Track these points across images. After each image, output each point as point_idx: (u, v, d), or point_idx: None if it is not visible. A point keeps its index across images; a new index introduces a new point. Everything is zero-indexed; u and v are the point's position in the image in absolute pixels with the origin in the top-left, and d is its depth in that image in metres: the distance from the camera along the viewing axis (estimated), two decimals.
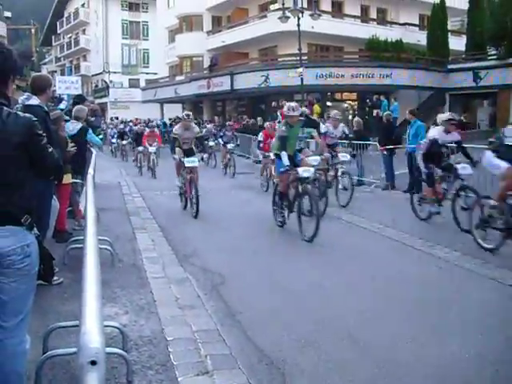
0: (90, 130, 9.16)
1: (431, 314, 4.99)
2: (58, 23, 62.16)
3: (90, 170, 3.47)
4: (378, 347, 4.25)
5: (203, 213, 9.97)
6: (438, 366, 3.93)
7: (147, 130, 20.44)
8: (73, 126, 8.46)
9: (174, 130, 11.82)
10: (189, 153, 11.01)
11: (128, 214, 10.35)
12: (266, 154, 13.01)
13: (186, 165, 10.49)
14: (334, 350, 4.19)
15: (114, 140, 27.94)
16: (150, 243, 7.85)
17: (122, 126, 29.79)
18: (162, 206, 11.37)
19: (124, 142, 24.66)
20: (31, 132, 2.99)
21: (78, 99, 9.28)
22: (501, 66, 28.03)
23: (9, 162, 2.90)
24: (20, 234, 2.93)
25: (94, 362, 1.33)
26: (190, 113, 12.48)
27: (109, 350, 3.92)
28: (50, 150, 3.12)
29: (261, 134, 14.11)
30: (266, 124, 14.90)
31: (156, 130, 21.90)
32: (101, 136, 9.66)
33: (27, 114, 3.09)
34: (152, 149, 18.08)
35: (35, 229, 3.04)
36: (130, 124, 29.75)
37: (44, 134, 3.10)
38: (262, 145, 13.60)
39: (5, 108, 2.97)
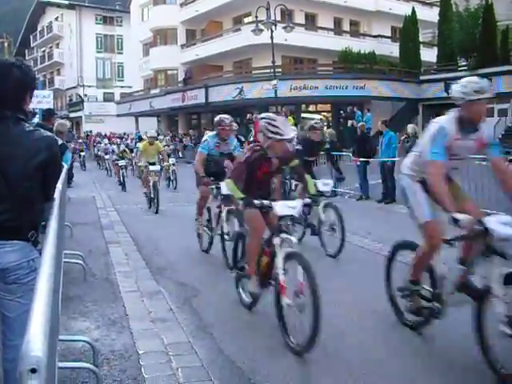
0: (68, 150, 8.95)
1: None
2: (31, 37, 61.81)
3: (59, 185, 3.46)
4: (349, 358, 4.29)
5: (178, 226, 9.94)
6: None
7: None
8: None
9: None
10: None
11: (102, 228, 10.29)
12: None
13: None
14: (305, 359, 4.22)
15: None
16: (124, 257, 7.82)
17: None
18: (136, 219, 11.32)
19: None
20: (54, 152, 3.01)
21: (47, 113, 9.09)
22: (471, 76, 28.58)
23: (27, 179, 2.90)
24: (26, 248, 2.95)
25: (34, 370, 1.33)
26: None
27: (79, 364, 3.93)
28: None
29: None
30: None
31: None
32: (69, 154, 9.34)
33: (49, 133, 3.09)
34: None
35: (40, 245, 3.03)
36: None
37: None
38: None
39: (26, 124, 2.97)
